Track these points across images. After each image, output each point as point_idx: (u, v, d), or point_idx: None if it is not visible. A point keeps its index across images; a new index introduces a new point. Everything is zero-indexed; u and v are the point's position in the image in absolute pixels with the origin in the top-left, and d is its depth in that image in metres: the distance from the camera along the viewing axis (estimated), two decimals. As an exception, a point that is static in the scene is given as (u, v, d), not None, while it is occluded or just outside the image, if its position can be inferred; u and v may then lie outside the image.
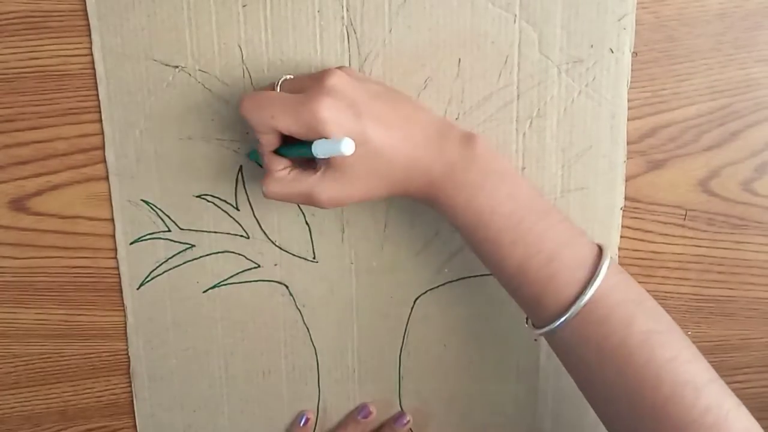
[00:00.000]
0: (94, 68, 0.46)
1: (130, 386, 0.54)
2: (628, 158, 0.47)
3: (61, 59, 0.47)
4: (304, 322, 0.52)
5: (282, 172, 0.42)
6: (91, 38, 0.46)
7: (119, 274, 0.51)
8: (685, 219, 0.49)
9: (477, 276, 0.50)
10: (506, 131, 0.47)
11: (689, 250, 0.49)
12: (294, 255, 0.50)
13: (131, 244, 0.50)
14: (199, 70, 0.46)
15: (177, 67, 0.46)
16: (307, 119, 0.38)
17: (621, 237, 0.49)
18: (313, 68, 0.46)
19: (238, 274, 0.51)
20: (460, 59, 0.45)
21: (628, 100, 0.46)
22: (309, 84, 0.40)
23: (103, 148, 0.48)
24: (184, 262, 0.50)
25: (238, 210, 0.49)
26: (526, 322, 0.43)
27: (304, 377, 0.53)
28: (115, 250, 0.50)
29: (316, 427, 0.54)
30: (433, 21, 0.45)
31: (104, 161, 0.48)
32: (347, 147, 0.37)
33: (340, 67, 0.42)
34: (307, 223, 0.49)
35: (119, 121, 0.47)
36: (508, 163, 0.43)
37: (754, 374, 0.53)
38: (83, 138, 0.48)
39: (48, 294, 0.51)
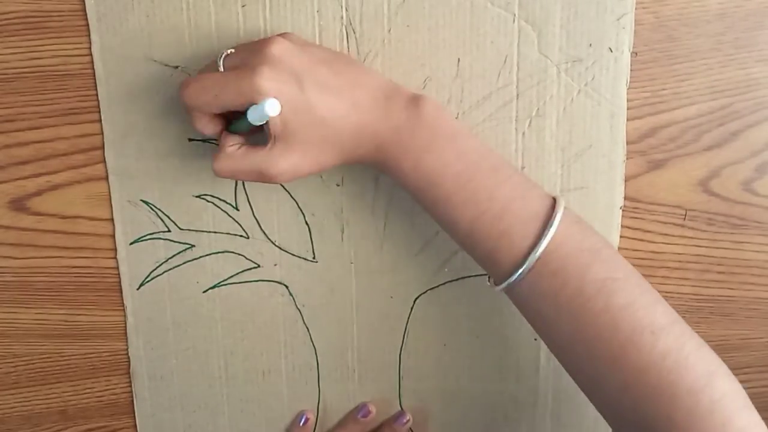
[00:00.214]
0: (93, 68, 0.47)
1: (130, 386, 0.54)
2: (627, 158, 0.47)
3: (61, 59, 0.47)
4: (304, 322, 0.52)
5: (232, 148, 0.41)
6: (90, 38, 0.46)
7: (119, 274, 0.51)
8: (685, 219, 0.49)
9: (477, 276, 0.50)
10: (505, 131, 0.47)
11: (689, 250, 0.49)
12: (294, 255, 0.50)
13: (131, 244, 0.50)
14: (199, 70, 0.46)
15: (177, 67, 0.46)
16: (249, 93, 0.38)
17: (621, 237, 0.49)
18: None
19: (237, 274, 0.51)
20: (459, 59, 0.45)
21: (628, 100, 0.46)
22: (248, 55, 0.39)
23: (102, 148, 0.48)
24: (184, 262, 0.50)
25: (238, 210, 0.49)
26: (488, 281, 0.43)
27: (304, 377, 0.53)
28: (115, 250, 0.50)
29: (316, 427, 0.54)
30: (432, 21, 0.45)
31: (104, 161, 0.48)
32: (272, 107, 0.36)
33: (282, 34, 0.42)
34: (306, 223, 0.49)
35: (119, 121, 0.48)
36: (457, 123, 0.43)
37: (754, 374, 0.52)
38: (83, 138, 0.48)
39: (48, 294, 0.51)
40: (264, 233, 0.50)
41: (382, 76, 0.43)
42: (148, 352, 0.53)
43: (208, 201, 0.49)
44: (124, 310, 0.52)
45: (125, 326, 0.52)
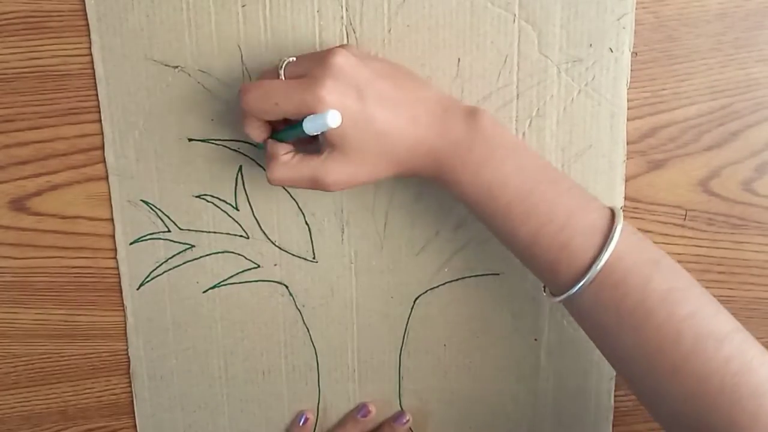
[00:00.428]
0: (93, 68, 0.47)
1: (130, 386, 0.54)
2: (628, 158, 0.47)
3: (61, 59, 0.47)
4: (304, 322, 0.52)
5: (286, 156, 0.42)
6: (90, 38, 0.46)
7: (119, 274, 0.51)
8: (685, 219, 0.49)
9: (477, 276, 0.50)
10: (506, 131, 0.47)
11: (689, 250, 0.49)
12: (294, 255, 0.50)
13: (131, 244, 0.50)
14: (199, 70, 0.46)
15: (176, 67, 0.46)
16: (311, 104, 0.38)
17: (621, 237, 0.49)
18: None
19: (237, 274, 0.51)
20: (459, 59, 0.45)
21: (628, 100, 0.46)
22: (311, 66, 0.40)
23: (102, 148, 0.48)
24: (184, 262, 0.50)
25: (238, 210, 0.49)
26: (544, 291, 0.43)
27: (304, 377, 0.53)
28: (115, 250, 0.50)
29: (316, 427, 0.54)
30: (433, 21, 0.45)
31: (104, 161, 0.48)
32: (333, 119, 0.36)
33: (342, 45, 0.42)
34: (306, 223, 0.49)
35: (119, 121, 0.48)
36: (514, 136, 0.43)
37: (754, 374, 0.52)
38: (83, 138, 0.48)
39: (48, 294, 0.51)
40: (264, 233, 0.50)
41: (439, 90, 0.44)
42: (148, 352, 0.53)
43: (208, 201, 0.49)
44: (124, 310, 0.52)
45: (125, 326, 0.52)
